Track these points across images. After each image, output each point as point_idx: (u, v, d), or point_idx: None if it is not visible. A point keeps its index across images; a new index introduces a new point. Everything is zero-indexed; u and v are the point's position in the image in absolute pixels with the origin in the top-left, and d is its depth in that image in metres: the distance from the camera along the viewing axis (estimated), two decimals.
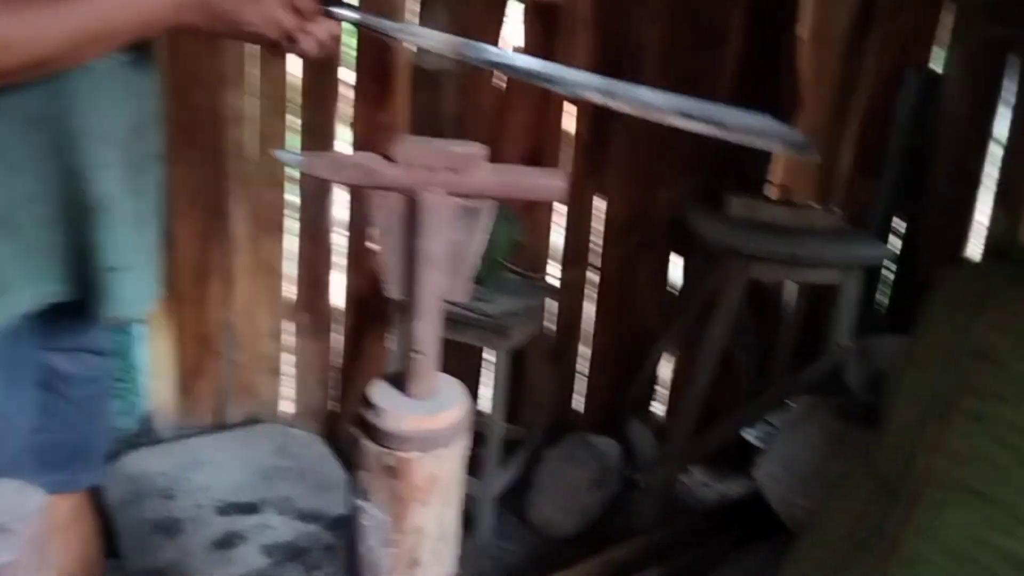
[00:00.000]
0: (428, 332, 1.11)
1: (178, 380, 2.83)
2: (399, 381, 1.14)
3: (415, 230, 1.06)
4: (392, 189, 1.06)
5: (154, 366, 2.78)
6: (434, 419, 1.10)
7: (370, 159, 1.06)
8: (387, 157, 1.05)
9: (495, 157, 2.64)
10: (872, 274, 2.42)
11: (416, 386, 1.12)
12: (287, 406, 2.93)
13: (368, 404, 1.11)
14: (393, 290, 1.12)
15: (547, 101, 2.56)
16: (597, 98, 1.19)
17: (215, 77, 2.50)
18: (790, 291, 2.63)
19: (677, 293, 2.74)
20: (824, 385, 2.22)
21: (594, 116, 2.57)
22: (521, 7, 2.52)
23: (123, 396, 2.73)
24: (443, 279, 1.09)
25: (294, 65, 2.56)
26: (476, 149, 1.05)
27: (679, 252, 2.69)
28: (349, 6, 1.20)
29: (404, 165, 1.04)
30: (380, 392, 1.13)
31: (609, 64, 2.50)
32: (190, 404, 2.86)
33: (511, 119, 2.59)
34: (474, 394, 2.86)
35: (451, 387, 1.17)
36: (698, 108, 1.17)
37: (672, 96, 1.17)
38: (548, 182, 1.06)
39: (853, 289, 2.27)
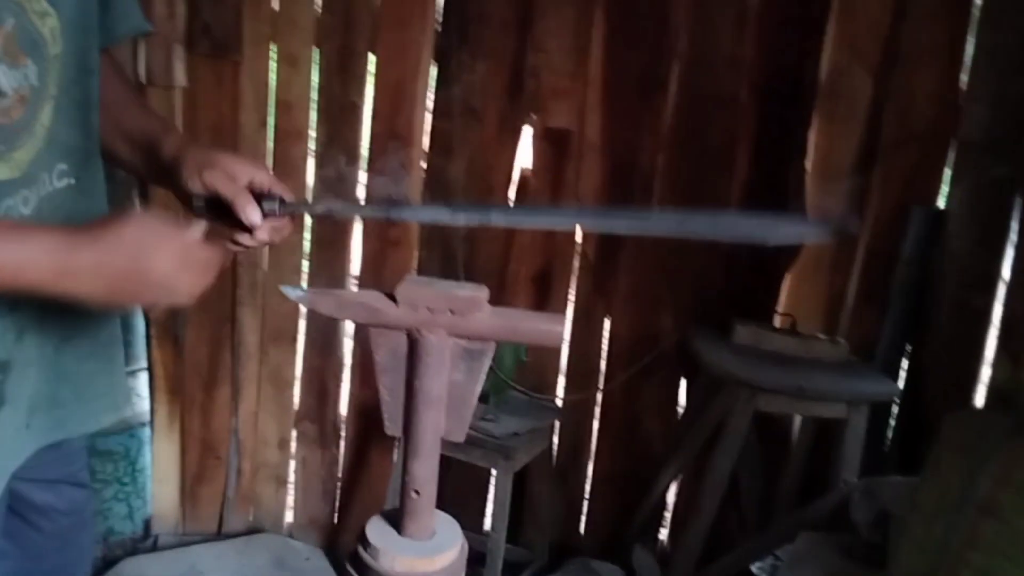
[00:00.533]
0: (425, 472, 1.11)
1: (181, 485, 2.82)
2: (396, 519, 1.14)
3: (415, 370, 1.07)
4: (394, 328, 1.07)
5: (158, 470, 2.78)
6: (429, 561, 1.10)
7: (373, 298, 1.08)
8: (390, 296, 1.07)
9: (504, 275, 2.67)
10: (879, 410, 2.40)
11: (412, 526, 1.12)
12: (292, 516, 2.91)
13: (364, 542, 1.11)
14: (391, 428, 1.13)
15: None
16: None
17: None
18: (796, 422, 2.61)
19: (682, 418, 2.72)
20: (829, 521, 2.19)
21: (602, 238, 2.61)
22: (531, 131, 2.58)
23: (125, 499, 2.72)
24: (442, 419, 1.10)
25: (311, 174, 2.63)
26: (478, 292, 1.07)
27: (686, 376, 2.69)
28: (283, 202, 1.18)
29: (406, 305, 1.06)
30: (376, 530, 1.13)
31: (618, 189, 2.55)
32: (192, 510, 2.84)
33: (521, 237, 2.62)
34: (480, 511, 2.85)
35: (448, 527, 1.17)
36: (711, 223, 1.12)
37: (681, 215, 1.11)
38: (548, 327, 1.08)
39: (860, 424, 2.25)
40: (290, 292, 1.11)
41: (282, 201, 1.19)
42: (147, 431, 2.72)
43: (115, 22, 1.28)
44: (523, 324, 1.08)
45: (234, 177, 1.16)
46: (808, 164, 2.48)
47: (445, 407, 1.09)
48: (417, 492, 1.11)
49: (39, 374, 1.20)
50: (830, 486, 2.32)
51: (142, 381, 2.67)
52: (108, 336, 1.35)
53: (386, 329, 1.08)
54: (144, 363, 2.66)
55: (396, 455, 2.71)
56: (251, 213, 1.14)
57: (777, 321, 2.58)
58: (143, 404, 2.69)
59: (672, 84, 2.49)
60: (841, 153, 2.46)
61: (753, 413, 2.28)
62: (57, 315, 1.21)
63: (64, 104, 1.15)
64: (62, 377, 1.25)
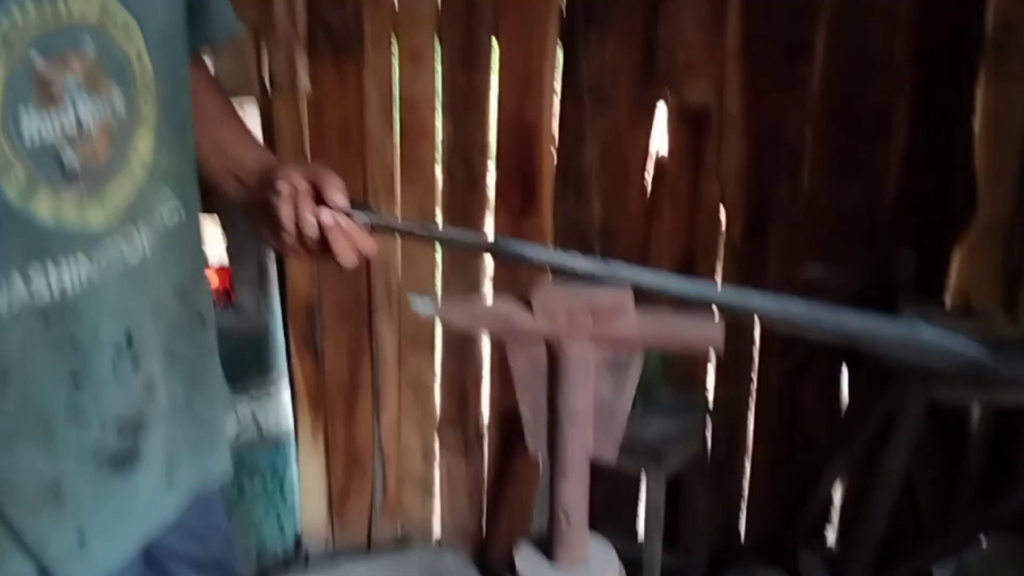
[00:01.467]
0: (575, 493, 1.01)
1: (329, 499, 2.80)
2: (546, 545, 1.04)
3: (557, 384, 0.97)
4: (532, 340, 0.97)
5: (305, 484, 2.77)
6: None
7: (508, 308, 0.98)
8: (526, 304, 0.97)
9: (644, 265, 2.52)
10: None
11: (563, 553, 1.03)
12: (439, 526, 2.86)
13: (513, 573, 1.02)
14: (535, 446, 1.03)
15: (698, 204, 2.45)
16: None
17: (359, 191, 2.51)
18: (975, 410, 2.39)
19: (847, 411, 2.53)
20: (1020, 521, 1.98)
21: (748, 219, 2.44)
22: (666, 110, 2.43)
23: (275, 514, 2.72)
24: (590, 436, 1.00)
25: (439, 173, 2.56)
26: (622, 295, 0.95)
27: (849, 365, 2.50)
28: (369, 210, 1.09)
29: (544, 314, 0.95)
30: (526, 559, 1.05)
31: (763, 166, 2.38)
32: (341, 524, 2.82)
33: (660, 224, 2.49)
34: (632, 517, 2.72)
35: (603, 552, 1.07)
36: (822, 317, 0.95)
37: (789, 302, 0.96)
38: (703, 333, 0.95)
39: None
40: (419, 305, 1.03)
41: (369, 209, 1.10)
42: (292, 445, 2.70)
43: (207, 25, 1.17)
44: (674, 330, 0.96)
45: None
46: (976, 125, 2.25)
47: (592, 423, 0.99)
48: (567, 516, 1.01)
49: (174, 425, 1.12)
50: (1018, 481, 2.11)
51: (284, 395, 2.65)
52: (219, 368, 1.27)
53: (523, 341, 0.97)
54: (285, 376, 2.64)
55: (542, 461, 2.62)
56: (337, 195, 1.04)
57: (948, 299, 2.36)
58: (287, 418, 2.67)
59: (819, 47, 2.30)
60: (1016, 112, 2.21)
61: (927, 405, 2.09)
62: (182, 359, 1.13)
63: (165, 129, 1.05)
64: (198, 423, 1.17)
